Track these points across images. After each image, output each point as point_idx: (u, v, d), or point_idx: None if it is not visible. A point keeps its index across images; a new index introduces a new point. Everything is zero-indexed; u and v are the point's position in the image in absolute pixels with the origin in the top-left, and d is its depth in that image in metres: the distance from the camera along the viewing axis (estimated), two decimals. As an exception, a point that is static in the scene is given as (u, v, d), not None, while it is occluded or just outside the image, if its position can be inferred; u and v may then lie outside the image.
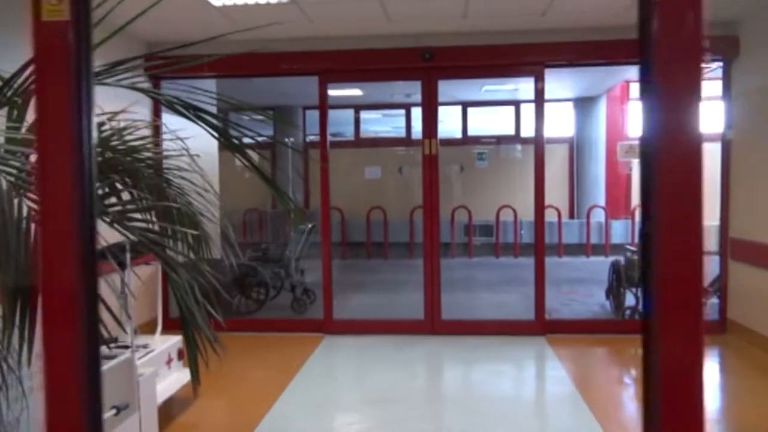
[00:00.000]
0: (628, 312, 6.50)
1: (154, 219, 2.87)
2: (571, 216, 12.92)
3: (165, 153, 2.84)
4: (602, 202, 12.57)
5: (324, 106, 6.18)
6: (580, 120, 12.82)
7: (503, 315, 7.12)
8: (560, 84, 10.81)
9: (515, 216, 11.85)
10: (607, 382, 5.19)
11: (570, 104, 12.95)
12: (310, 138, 14.00)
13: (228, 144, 2.80)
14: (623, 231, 12.04)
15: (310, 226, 7.78)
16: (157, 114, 6.14)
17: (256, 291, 7.41)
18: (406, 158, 13.03)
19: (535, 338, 6.06)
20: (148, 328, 4.87)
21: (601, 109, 12.60)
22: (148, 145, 2.83)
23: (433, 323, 6.18)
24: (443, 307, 6.23)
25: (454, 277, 9.57)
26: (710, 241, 9.84)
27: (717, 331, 6.11)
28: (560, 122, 13.21)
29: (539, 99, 6.06)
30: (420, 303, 6.29)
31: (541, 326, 6.11)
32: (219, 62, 6.35)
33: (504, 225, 12.07)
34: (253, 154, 6.23)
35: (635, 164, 5.88)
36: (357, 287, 9.20)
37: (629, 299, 6.72)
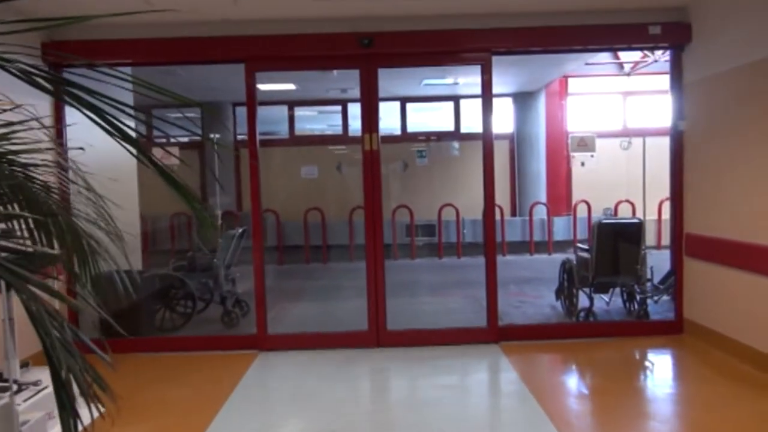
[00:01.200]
0: (582, 314, 6.18)
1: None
2: (513, 213, 12.70)
3: (31, 146, 2.19)
4: (544, 198, 12.41)
5: (252, 97, 5.56)
6: (520, 116, 12.62)
7: (452, 322, 6.69)
8: (499, 78, 10.48)
9: (457, 215, 11.51)
10: (568, 393, 4.81)
11: (509, 100, 12.71)
12: (241, 136, 13.25)
13: (118, 137, 2.17)
14: (565, 228, 11.90)
15: (240, 230, 7.11)
16: (58, 109, 5.37)
17: (183, 304, 6.70)
18: (343, 156, 12.48)
19: (488, 346, 5.63)
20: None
21: (541, 105, 12.43)
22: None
23: (378, 335, 5.65)
24: (388, 315, 5.72)
25: (398, 281, 9.08)
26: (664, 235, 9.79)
27: (673, 331, 5.86)
28: (500, 118, 12.96)
29: (487, 90, 5.65)
30: (363, 311, 5.77)
31: (495, 333, 5.69)
32: (132, 48, 5.67)
33: (446, 224, 11.71)
34: (174, 152, 5.48)
35: (586, 158, 5.52)
36: (294, 296, 8.58)
37: (582, 300, 6.41)
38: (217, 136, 8.17)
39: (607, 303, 6.64)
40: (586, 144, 5.52)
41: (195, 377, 5.17)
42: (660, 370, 5.36)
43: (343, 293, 8.68)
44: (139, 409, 4.43)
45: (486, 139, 5.72)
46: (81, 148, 2.61)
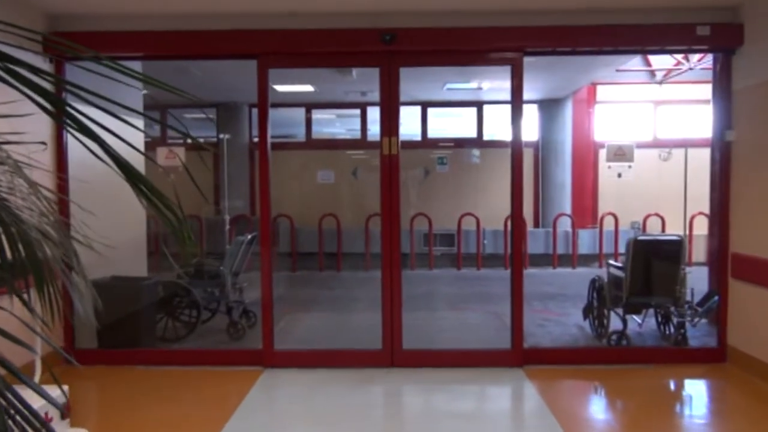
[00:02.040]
0: (614, 338, 5.70)
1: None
2: (536, 225, 12.21)
3: None
4: (569, 210, 11.91)
5: (264, 95, 5.19)
6: (545, 123, 12.14)
7: (472, 340, 6.25)
8: (526, 84, 10.05)
9: (478, 225, 11.06)
10: (601, 428, 4.34)
11: (534, 107, 12.24)
12: (257, 138, 12.92)
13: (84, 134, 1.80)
14: (590, 241, 11.39)
15: (250, 236, 6.74)
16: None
17: (187, 313, 6.34)
18: (361, 162, 12.09)
19: (511, 371, 5.18)
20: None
21: (567, 113, 11.95)
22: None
23: (392, 354, 5.23)
24: (404, 331, 5.29)
25: (415, 293, 8.66)
26: (698, 251, 9.27)
27: (715, 359, 5.37)
28: (525, 125, 12.49)
29: (517, 94, 5.23)
30: (377, 325, 5.34)
31: (519, 356, 5.24)
32: (141, 40, 5.34)
33: (466, 234, 11.26)
34: (180, 153, 5.13)
35: (623, 168, 5.07)
36: (306, 305, 8.20)
37: (614, 322, 5.93)
38: (227, 136, 7.81)
39: (640, 325, 6.16)
40: (623, 153, 5.07)
41: (195, 395, 4.79)
42: (700, 403, 4.87)
43: (356, 305, 8.28)
44: (133, 431, 4.06)
45: (515, 147, 5.29)
46: (43, 143, 2.25)
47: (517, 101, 5.26)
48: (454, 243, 11.33)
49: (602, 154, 11.86)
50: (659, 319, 6.20)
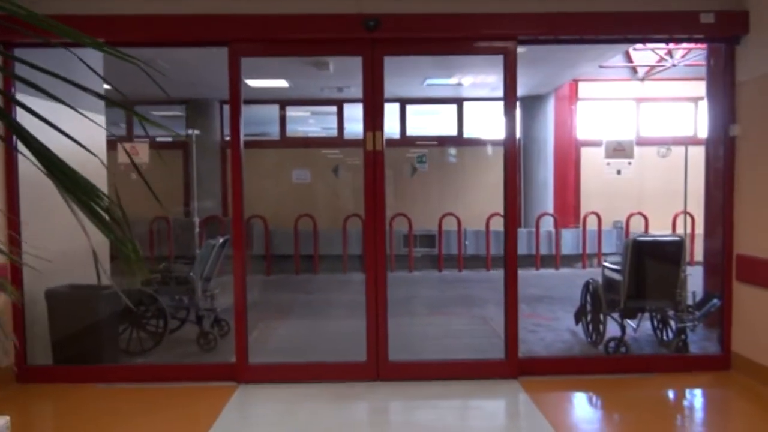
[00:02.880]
0: (612, 345, 5.38)
1: None
2: (518, 224, 11.91)
3: None
4: (551, 209, 11.65)
5: (236, 87, 4.76)
6: (527, 120, 11.86)
7: (460, 348, 5.88)
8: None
9: (459, 225, 10.72)
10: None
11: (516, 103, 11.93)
12: (229, 135, 12.41)
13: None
14: (573, 241, 11.14)
15: (222, 239, 6.28)
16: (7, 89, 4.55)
17: (154, 323, 5.85)
18: (338, 161, 11.65)
19: (506, 383, 4.81)
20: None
21: (549, 109, 11.69)
22: None
23: (378, 366, 4.83)
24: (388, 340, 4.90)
25: (396, 297, 8.22)
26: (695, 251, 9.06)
27: (719, 366, 5.08)
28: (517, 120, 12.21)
29: (510, 86, 4.88)
30: (359, 332, 4.94)
31: (514, 367, 4.88)
32: (99, 25, 4.86)
33: (447, 235, 10.91)
34: (144, 150, 4.65)
35: (623, 165, 4.76)
36: (282, 312, 7.75)
37: (611, 327, 5.62)
38: (196, 132, 7.32)
39: (634, 329, 5.85)
40: (623, 149, 4.77)
41: (161, 416, 4.33)
42: (706, 414, 4.57)
43: (336, 310, 7.86)
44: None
45: (508, 144, 4.95)
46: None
47: (510, 94, 4.91)
48: (434, 244, 10.98)
49: (587, 151, 11.65)
50: (656, 323, 5.91)
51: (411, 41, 4.77)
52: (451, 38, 4.77)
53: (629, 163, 4.94)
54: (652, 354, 5.54)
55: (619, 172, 4.98)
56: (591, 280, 5.89)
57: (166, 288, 5.93)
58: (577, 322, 6.20)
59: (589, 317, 5.97)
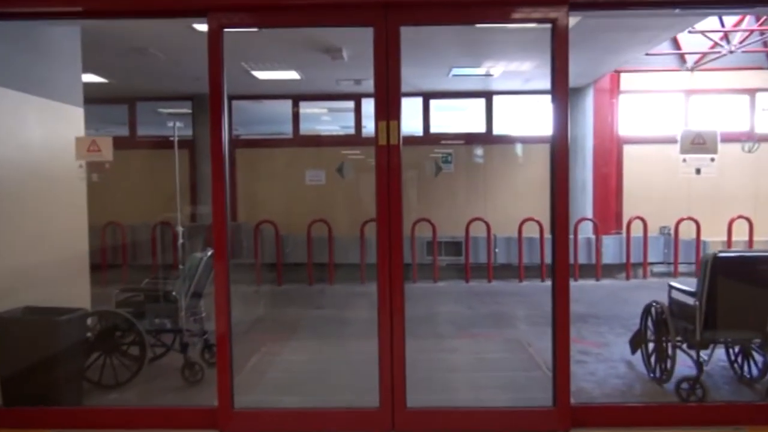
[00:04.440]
0: (686, 386, 4.33)
1: None
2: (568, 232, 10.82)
3: None
4: (590, 213, 10.57)
5: (217, 65, 3.85)
6: (563, 116, 10.77)
7: (494, 384, 4.88)
8: (542, 70, 8.73)
9: (488, 231, 9.70)
10: None
11: (549, 97, 10.88)
12: (238, 133, 11.58)
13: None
14: (616, 249, 10.05)
15: (210, 252, 5.35)
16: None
17: (133, 350, 4.96)
18: (357, 161, 10.71)
19: (556, 439, 3.80)
20: None
21: (588, 104, 10.63)
22: None
23: (393, 416, 3.86)
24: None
25: (417, 314, 7.29)
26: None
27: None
28: (540, 118, 11.17)
29: (560, 66, 3.87)
30: (375, 359, 3.94)
31: (566, 417, 3.85)
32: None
33: (474, 242, 9.90)
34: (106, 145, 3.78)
35: (704, 162, 3.71)
36: (288, 331, 6.84)
37: (680, 363, 4.57)
38: (179, 124, 6.44)
39: (705, 362, 4.77)
40: (704, 143, 3.74)
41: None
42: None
43: (349, 329, 6.92)
44: None
45: (558, 139, 3.95)
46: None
47: (560, 78, 3.91)
48: (461, 252, 9.98)
49: (630, 150, 10.56)
50: (733, 356, 4.85)
51: (433, 6, 3.80)
52: (483, 2, 3.78)
53: (712, 160, 3.91)
54: (741, 402, 4.47)
55: (698, 171, 3.95)
56: (655, 304, 4.85)
57: (148, 308, 5.05)
58: (633, 351, 5.17)
59: (651, 347, 4.94)
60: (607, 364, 5.35)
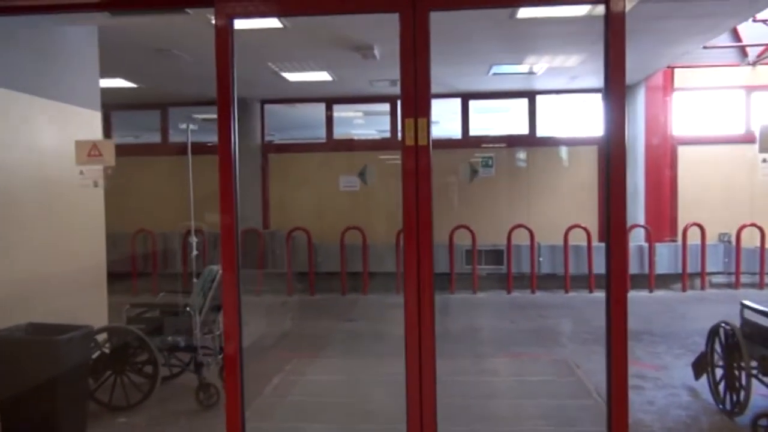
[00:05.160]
0: (765, 423, 3.73)
1: None
2: (602, 238, 10.14)
3: None
4: (642, 220, 9.87)
5: (226, 61, 3.46)
6: (612, 116, 10.11)
7: (539, 413, 4.36)
8: (588, 66, 8.14)
9: (532, 239, 9.13)
10: None
11: (598, 96, 10.23)
12: (271, 138, 11.29)
13: None
14: (670, 258, 9.33)
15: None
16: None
17: (147, 369, 4.63)
18: (394, 165, 10.27)
19: (612, 485, 3.26)
20: None
21: (639, 102, 9.94)
22: None
23: (423, 457, 3.37)
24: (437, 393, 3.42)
25: (454, 330, 6.81)
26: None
27: None
28: (587, 118, 10.53)
29: (616, 57, 3.33)
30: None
31: (622, 460, 3.31)
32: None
33: (517, 250, 9.34)
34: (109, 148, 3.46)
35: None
36: (316, 346, 6.43)
37: (754, 392, 3.97)
38: (193, 127, 6.08)
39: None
40: (787, 139, 3.15)
41: None
42: None
43: (381, 344, 6.45)
44: None
45: (614, 138, 3.41)
46: None
47: (616, 69, 3.36)
48: (502, 261, 9.43)
49: (685, 151, 9.82)
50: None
51: (469, -14, 3.33)
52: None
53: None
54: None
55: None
56: (724, 325, 4.25)
57: (163, 323, 4.71)
58: (697, 376, 4.60)
59: (719, 374, 4.34)
60: (667, 391, 4.76)
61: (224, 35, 3.47)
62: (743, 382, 3.97)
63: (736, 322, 4.20)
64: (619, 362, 3.38)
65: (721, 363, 4.31)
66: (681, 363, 5.45)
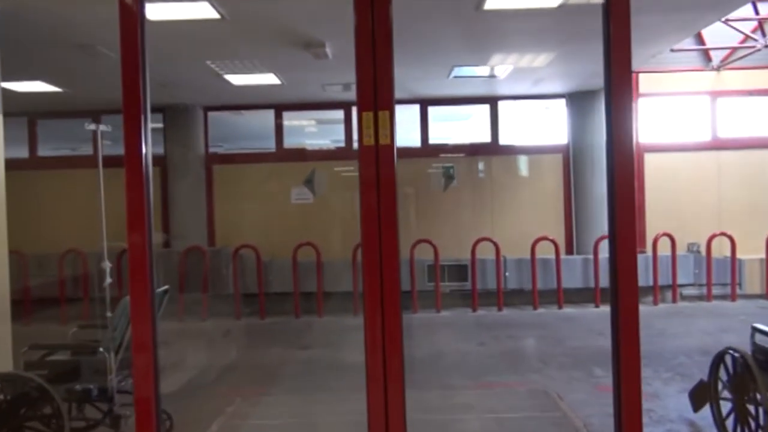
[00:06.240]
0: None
1: None
2: (570, 251, 9.69)
3: None
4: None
5: (134, 44, 2.74)
6: (577, 122, 9.72)
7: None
8: (552, 70, 7.68)
9: (497, 252, 8.58)
10: None
11: (562, 101, 9.81)
12: (218, 149, 10.47)
13: None
14: (641, 270, 8.81)
15: (164, 288, 4.21)
16: None
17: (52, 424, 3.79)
18: (351, 177, 9.57)
19: None
20: None
21: (603, 108, 9.51)
22: None
23: None
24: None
25: (418, 356, 6.15)
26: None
27: None
28: (550, 125, 10.08)
29: (618, 44, 2.74)
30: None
31: None
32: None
33: (482, 265, 8.76)
34: None
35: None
36: (265, 380, 5.67)
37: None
38: (104, 128, 5.27)
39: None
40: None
41: None
42: None
43: (339, 375, 5.73)
44: None
45: (622, 144, 2.82)
46: None
47: (619, 56, 2.77)
48: (466, 276, 8.83)
49: (651, 158, 9.46)
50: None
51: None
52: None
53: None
54: None
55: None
56: (732, 351, 3.70)
57: (70, 369, 3.89)
58: (696, 408, 4.04)
59: (727, 408, 3.78)
60: (665, 427, 4.20)
61: (129, 15, 2.74)
62: (763, 421, 3.41)
63: (726, 342, 3.68)
64: (631, 404, 2.77)
65: (728, 395, 3.76)
66: (672, 390, 4.93)
